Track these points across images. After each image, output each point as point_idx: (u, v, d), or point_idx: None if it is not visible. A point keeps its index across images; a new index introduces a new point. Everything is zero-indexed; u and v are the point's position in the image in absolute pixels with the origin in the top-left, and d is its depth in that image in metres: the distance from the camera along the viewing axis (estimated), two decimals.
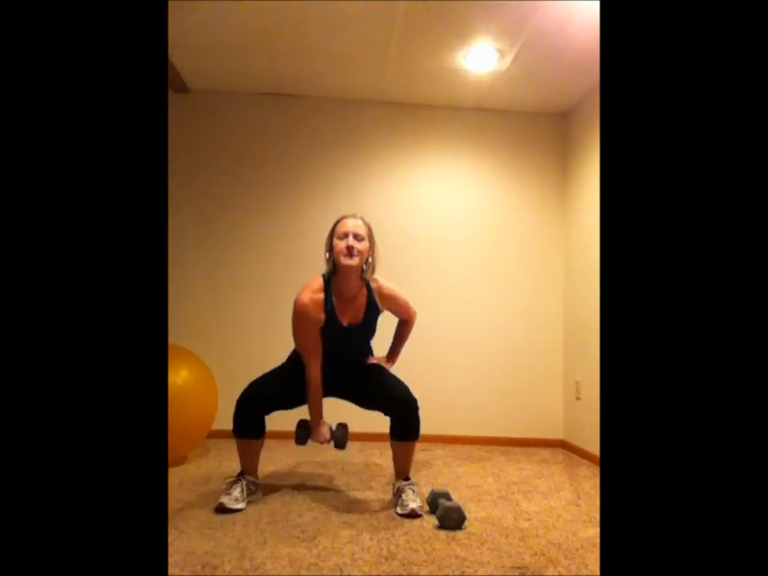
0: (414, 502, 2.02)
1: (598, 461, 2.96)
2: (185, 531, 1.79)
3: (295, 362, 2.18)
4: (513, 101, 3.51)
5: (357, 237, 2.06)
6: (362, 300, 2.15)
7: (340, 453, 3.01)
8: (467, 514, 1.93)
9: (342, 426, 2.16)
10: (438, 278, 3.54)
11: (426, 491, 2.17)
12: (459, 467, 2.84)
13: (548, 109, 3.61)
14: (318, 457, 2.93)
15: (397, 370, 2.28)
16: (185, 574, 1.48)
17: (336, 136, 3.59)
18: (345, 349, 2.19)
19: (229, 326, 3.46)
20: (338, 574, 1.51)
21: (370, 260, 2.13)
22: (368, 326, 2.20)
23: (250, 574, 1.50)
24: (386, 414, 2.14)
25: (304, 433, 2.15)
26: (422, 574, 1.53)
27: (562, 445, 3.49)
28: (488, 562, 1.62)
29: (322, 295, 2.09)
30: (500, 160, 3.65)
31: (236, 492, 2.05)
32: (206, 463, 2.74)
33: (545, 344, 3.58)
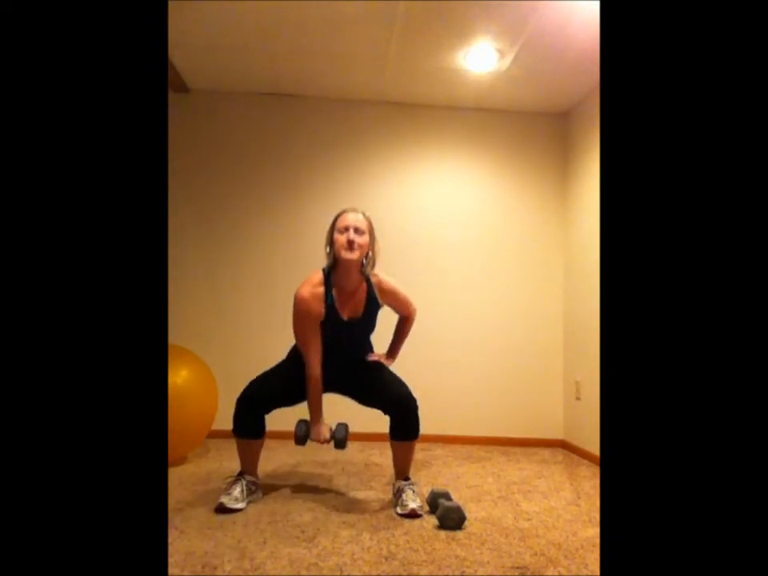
0: (413, 502, 2.02)
1: (598, 461, 2.96)
2: (185, 531, 1.79)
3: (295, 358, 2.18)
4: (513, 101, 3.51)
5: (357, 231, 2.06)
6: (362, 294, 2.15)
7: (340, 453, 3.01)
8: (467, 514, 1.93)
9: (343, 426, 2.14)
10: (437, 277, 3.54)
11: (426, 491, 2.17)
12: (459, 467, 2.84)
13: (548, 109, 3.61)
14: (318, 457, 2.93)
15: (397, 369, 2.28)
16: (185, 574, 1.48)
17: (336, 136, 3.59)
18: (345, 343, 2.18)
19: (229, 326, 3.46)
20: (338, 574, 1.51)
21: (371, 254, 2.14)
22: (368, 321, 2.20)
23: (250, 574, 1.50)
24: (385, 413, 2.14)
25: (303, 432, 2.12)
26: (421, 574, 1.53)
27: (562, 445, 3.49)
28: (488, 562, 1.62)
29: (322, 289, 2.09)
30: (500, 160, 3.65)
31: (236, 492, 2.05)
32: (206, 463, 2.74)
33: (545, 344, 3.58)
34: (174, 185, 3.32)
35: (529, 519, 2.02)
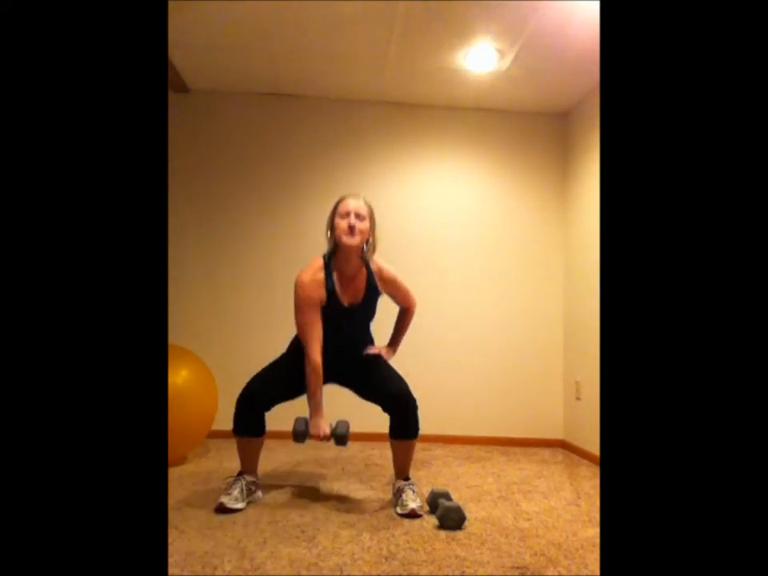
0: (413, 502, 2.02)
1: (598, 461, 2.96)
2: (185, 531, 1.79)
3: (296, 350, 2.17)
4: (513, 101, 3.51)
5: (358, 216, 2.07)
6: (362, 280, 2.16)
7: (340, 452, 3.02)
8: (467, 514, 1.93)
9: (344, 422, 2.09)
10: (438, 277, 3.54)
11: (426, 491, 2.17)
12: (459, 467, 2.84)
13: (548, 109, 3.61)
14: (319, 457, 2.93)
15: (397, 368, 2.27)
16: (185, 574, 1.48)
17: (336, 136, 3.59)
18: (345, 330, 2.17)
19: (229, 326, 3.46)
20: (338, 574, 1.51)
21: (371, 240, 2.15)
22: (368, 307, 2.20)
23: (250, 574, 1.50)
24: (384, 411, 2.13)
25: (302, 430, 2.06)
26: (421, 574, 1.53)
27: (562, 445, 3.49)
28: (488, 562, 1.62)
29: (322, 274, 2.10)
30: (500, 160, 3.65)
31: (236, 492, 2.05)
32: (206, 463, 2.74)
33: (545, 344, 3.58)
34: (173, 185, 3.32)
35: (529, 519, 2.02)
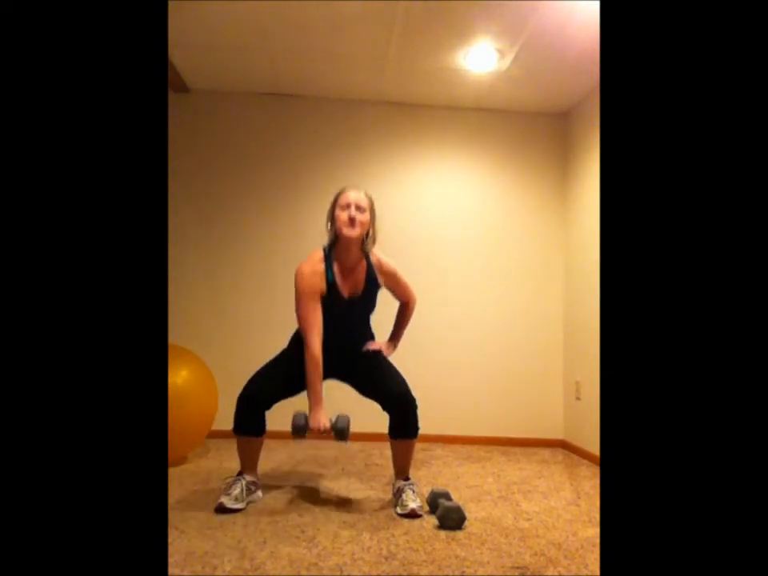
0: (413, 502, 2.02)
1: (598, 461, 2.96)
2: (185, 531, 1.79)
3: (295, 347, 2.16)
4: (513, 101, 3.51)
5: (359, 208, 2.09)
6: (362, 272, 2.17)
7: (340, 453, 3.02)
8: (467, 514, 1.93)
9: (344, 417, 2.02)
10: (438, 277, 3.54)
11: (426, 491, 2.17)
12: (459, 467, 2.84)
13: (548, 109, 3.61)
14: (319, 456, 2.93)
15: (397, 368, 2.27)
16: (185, 574, 1.48)
17: (336, 136, 3.59)
18: (346, 323, 2.17)
19: (229, 326, 3.46)
20: (338, 574, 1.51)
21: (371, 232, 2.16)
22: (368, 300, 2.20)
23: (250, 574, 1.50)
24: (384, 410, 2.13)
25: (302, 424, 1.98)
26: (422, 574, 1.53)
27: (562, 445, 3.49)
28: (488, 562, 1.62)
29: (322, 266, 2.11)
30: (500, 160, 3.65)
31: (236, 492, 2.05)
32: (206, 463, 2.74)
33: (545, 344, 3.59)
34: (174, 185, 3.32)
35: (529, 519, 2.02)
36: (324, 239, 2.19)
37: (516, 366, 3.55)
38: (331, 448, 3.11)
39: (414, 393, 2.12)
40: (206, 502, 2.08)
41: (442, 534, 1.84)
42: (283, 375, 2.14)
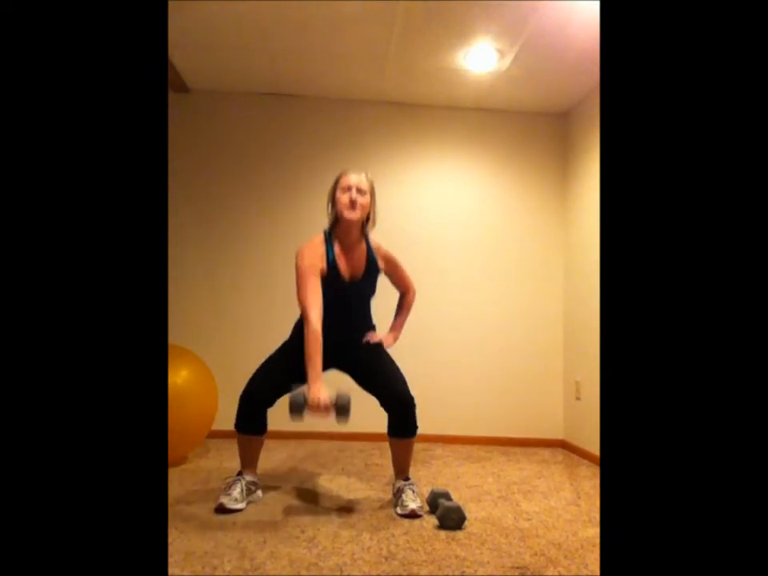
0: (413, 503, 2.02)
1: (598, 461, 2.96)
2: (185, 531, 1.79)
3: (297, 337, 2.12)
4: (513, 101, 3.51)
5: (359, 191, 2.10)
6: (362, 254, 2.18)
7: (340, 453, 3.02)
8: (467, 514, 1.93)
9: (345, 394, 1.86)
10: (438, 277, 3.54)
11: (426, 491, 2.17)
12: (459, 467, 2.84)
13: (548, 109, 3.61)
14: (318, 456, 2.93)
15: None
16: (185, 573, 1.49)
17: (336, 136, 3.59)
18: (346, 307, 2.16)
19: (229, 326, 3.46)
20: (338, 574, 1.51)
21: (371, 215, 2.18)
22: (368, 283, 2.21)
23: (250, 574, 1.50)
24: (382, 406, 2.11)
25: (301, 401, 1.81)
26: (422, 574, 1.53)
27: (562, 445, 3.49)
28: (488, 562, 1.62)
29: (323, 247, 2.12)
30: (500, 160, 3.65)
31: (235, 492, 2.04)
32: (206, 463, 2.74)
33: (545, 344, 3.58)
34: (173, 185, 3.32)
35: (529, 519, 2.02)
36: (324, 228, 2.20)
37: (516, 366, 3.55)
38: (332, 448, 3.11)
39: (414, 392, 2.12)
40: (206, 502, 2.08)
41: (442, 534, 1.84)
42: (285, 369, 2.11)
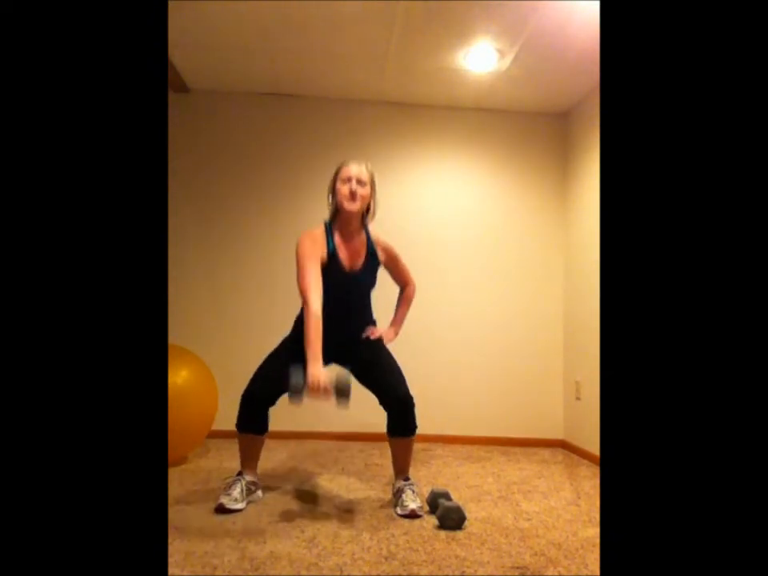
0: (413, 503, 2.02)
1: (598, 461, 2.96)
2: (185, 531, 1.79)
3: (299, 331, 2.09)
4: (513, 101, 3.51)
5: (360, 182, 2.10)
6: (362, 245, 2.19)
7: (340, 453, 3.02)
8: (467, 514, 1.93)
9: (344, 373, 1.79)
10: (438, 278, 3.54)
11: (426, 491, 2.17)
12: (459, 467, 2.84)
13: (548, 109, 3.61)
14: (318, 456, 2.93)
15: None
16: (185, 574, 1.49)
17: (336, 136, 3.59)
18: (346, 297, 2.15)
19: (229, 326, 3.46)
20: (338, 574, 1.51)
21: (371, 206, 2.19)
22: (368, 274, 2.20)
23: (250, 574, 1.50)
24: (381, 404, 2.11)
25: (299, 383, 1.74)
26: (422, 574, 1.53)
27: (562, 445, 3.49)
28: (488, 562, 1.62)
29: (324, 237, 2.13)
30: (500, 160, 3.65)
31: (235, 492, 2.04)
32: (206, 463, 2.74)
33: (545, 344, 3.58)
34: (173, 185, 3.32)
35: (529, 519, 2.02)
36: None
37: (516, 366, 3.55)
38: (331, 448, 3.11)
39: (414, 392, 2.12)
40: (206, 502, 2.08)
41: (442, 533, 1.84)
42: (287, 366, 2.10)
